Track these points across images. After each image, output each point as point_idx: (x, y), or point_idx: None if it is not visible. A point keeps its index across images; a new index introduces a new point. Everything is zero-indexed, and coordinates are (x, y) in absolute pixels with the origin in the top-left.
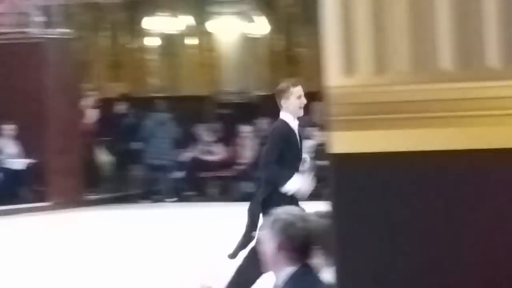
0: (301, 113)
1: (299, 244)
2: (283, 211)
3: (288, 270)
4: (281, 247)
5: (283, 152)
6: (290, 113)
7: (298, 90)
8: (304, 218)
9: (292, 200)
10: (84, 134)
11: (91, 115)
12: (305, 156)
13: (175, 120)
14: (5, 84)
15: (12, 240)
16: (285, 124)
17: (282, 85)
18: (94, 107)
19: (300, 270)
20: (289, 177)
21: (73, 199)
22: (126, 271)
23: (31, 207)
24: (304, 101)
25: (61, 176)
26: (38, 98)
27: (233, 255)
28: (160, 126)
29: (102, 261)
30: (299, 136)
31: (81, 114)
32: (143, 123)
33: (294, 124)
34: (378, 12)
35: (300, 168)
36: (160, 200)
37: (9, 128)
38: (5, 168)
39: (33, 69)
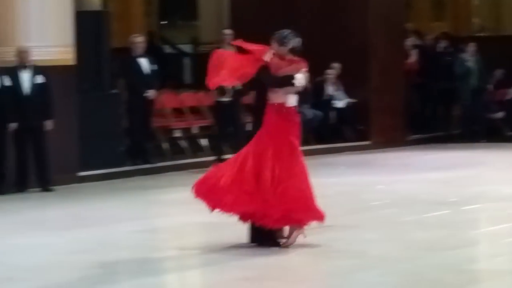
0: None
1: None
2: None
3: None
4: None
5: None
6: None
7: None
8: None
9: None
10: (406, 73)
11: (413, 54)
12: None
13: (497, 59)
14: (331, 23)
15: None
16: None
17: None
18: (415, 46)
19: None
20: None
21: (393, 139)
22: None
23: (352, 146)
24: None
25: (382, 115)
26: (362, 37)
27: None
28: (477, 66)
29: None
30: None
31: (403, 53)
32: (461, 62)
33: None
34: None
35: None
36: (473, 141)
37: (336, 67)
38: (331, 107)
39: (357, 9)
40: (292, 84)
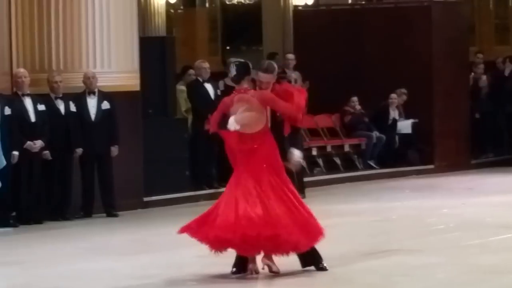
0: None
1: None
2: None
3: None
4: None
5: None
6: None
7: None
8: None
9: None
10: (471, 97)
11: (479, 78)
12: None
13: None
14: (395, 47)
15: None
16: None
17: None
18: (480, 70)
19: None
20: None
21: (457, 162)
22: None
23: (416, 170)
24: None
25: (445, 139)
26: (426, 61)
27: None
28: None
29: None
30: None
31: (467, 77)
32: None
33: None
34: None
35: None
36: None
37: (400, 93)
38: (395, 132)
39: (421, 32)
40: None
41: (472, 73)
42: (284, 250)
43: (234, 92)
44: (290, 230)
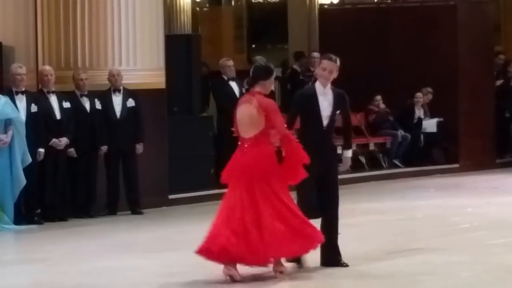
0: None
1: None
2: None
3: None
4: None
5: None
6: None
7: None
8: None
9: None
10: (498, 96)
11: (511, 77)
12: None
13: None
14: (420, 46)
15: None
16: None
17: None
18: (503, 69)
19: None
20: None
21: (482, 162)
22: None
23: (441, 169)
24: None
25: (470, 138)
26: (451, 60)
27: None
28: None
29: None
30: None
31: (493, 76)
32: None
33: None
34: None
35: None
36: None
37: (426, 91)
38: (420, 130)
39: (447, 31)
40: None
41: (495, 72)
42: (284, 254)
43: (248, 93)
44: (282, 236)
